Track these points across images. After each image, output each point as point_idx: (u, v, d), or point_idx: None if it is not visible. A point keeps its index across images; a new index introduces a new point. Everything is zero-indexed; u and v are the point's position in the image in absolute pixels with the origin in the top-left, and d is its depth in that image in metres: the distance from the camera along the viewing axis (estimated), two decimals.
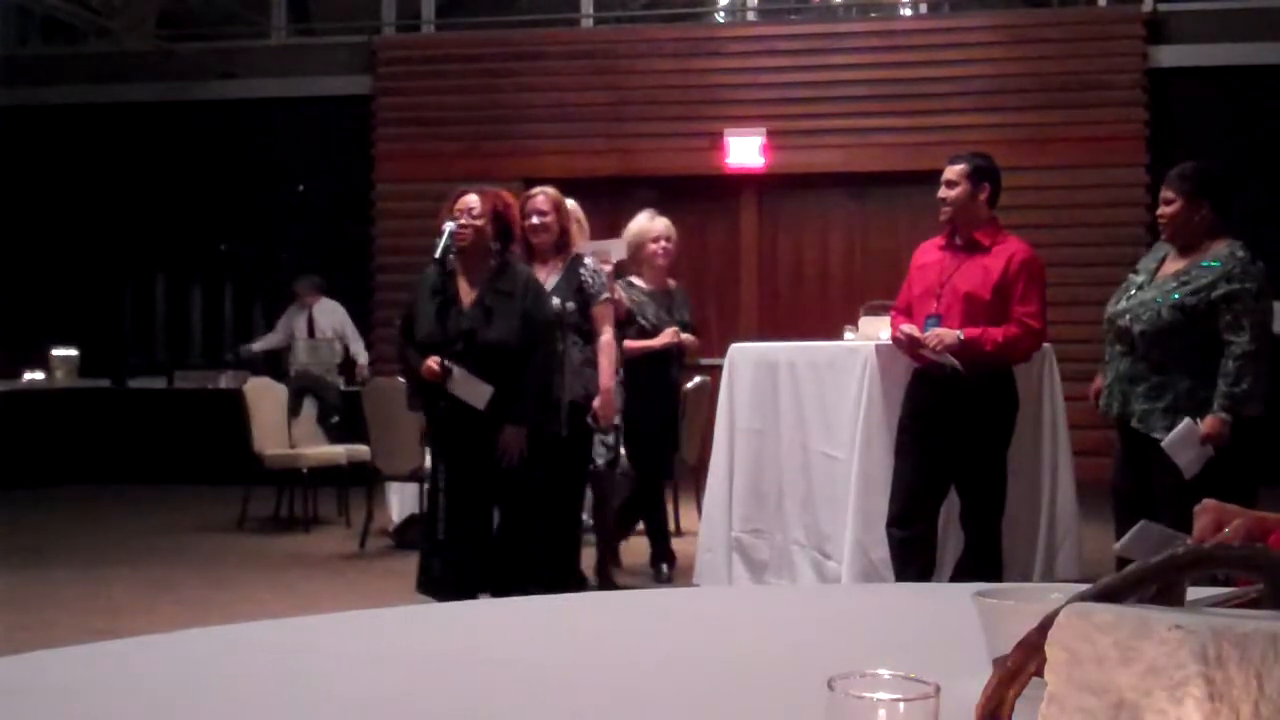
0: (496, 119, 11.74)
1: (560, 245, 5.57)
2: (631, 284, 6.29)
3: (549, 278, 5.47)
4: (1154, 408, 4.49)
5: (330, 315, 10.74)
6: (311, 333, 10.64)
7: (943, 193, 5.01)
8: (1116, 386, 4.60)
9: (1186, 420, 4.37)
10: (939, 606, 1.71)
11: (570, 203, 6.03)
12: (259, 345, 10.99)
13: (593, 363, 5.51)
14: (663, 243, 6.29)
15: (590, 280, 5.54)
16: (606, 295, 5.61)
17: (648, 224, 6.36)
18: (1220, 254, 4.45)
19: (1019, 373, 5.27)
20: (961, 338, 4.83)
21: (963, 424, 4.92)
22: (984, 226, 5.01)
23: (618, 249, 6.37)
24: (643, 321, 6.20)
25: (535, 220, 5.51)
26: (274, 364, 10.48)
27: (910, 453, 5.05)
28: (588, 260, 5.62)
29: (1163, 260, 4.62)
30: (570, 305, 5.45)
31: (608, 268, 5.99)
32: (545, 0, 12.63)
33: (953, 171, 5.01)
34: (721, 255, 11.69)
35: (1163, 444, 4.40)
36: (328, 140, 12.14)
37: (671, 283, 6.46)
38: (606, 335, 5.58)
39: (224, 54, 12.54)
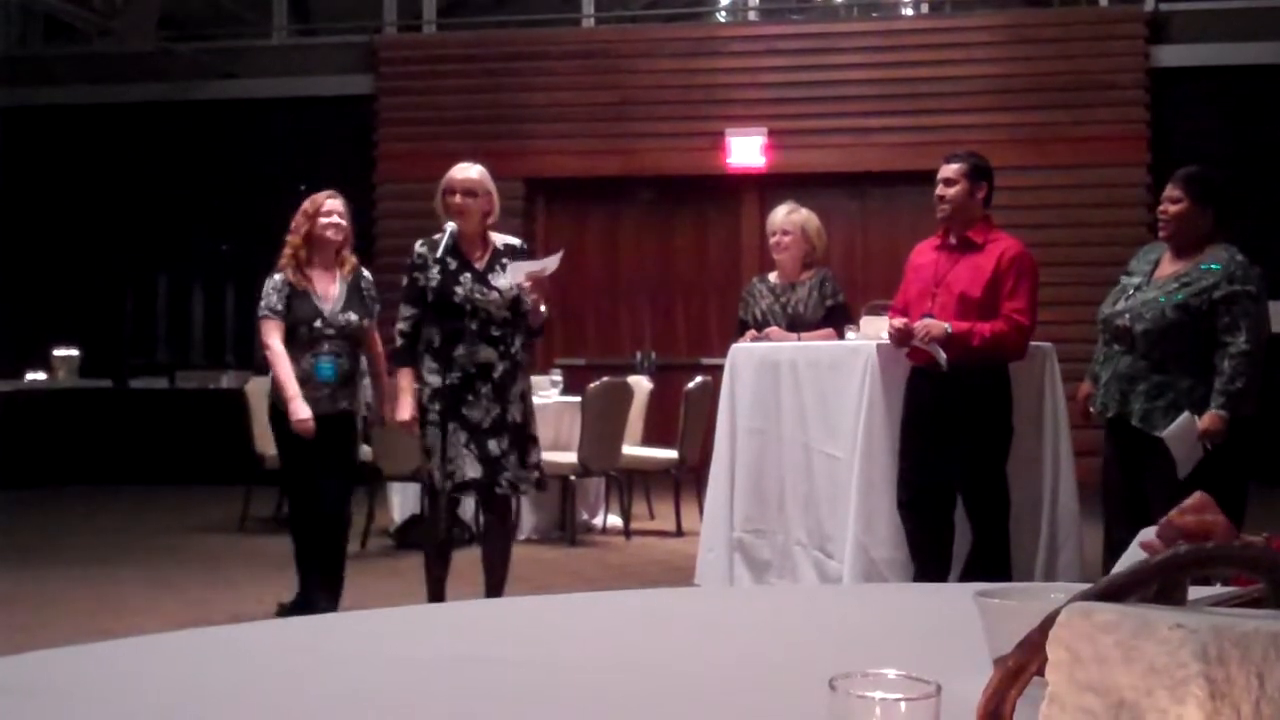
0: (498, 119, 11.72)
1: (341, 254, 5.40)
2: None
3: (333, 288, 5.30)
4: (1155, 406, 4.53)
5: None
6: None
7: (941, 190, 5.04)
8: (1114, 386, 4.63)
9: (1186, 414, 4.43)
10: (940, 606, 1.71)
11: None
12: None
13: (366, 375, 5.42)
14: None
15: (374, 294, 5.46)
16: (379, 308, 5.49)
17: None
18: (1220, 257, 4.54)
19: (1020, 373, 5.27)
20: (949, 330, 4.86)
21: (959, 422, 4.94)
22: (978, 225, 5.06)
23: (552, 263, 5.36)
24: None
25: (336, 220, 5.31)
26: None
27: (912, 451, 5.07)
28: (366, 272, 5.49)
29: (1157, 262, 4.68)
30: (366, 322, 5.36)
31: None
32: (546, 0, 12.62)
33: (951, 170, 5.05)
34: (722, 255, 11.67)
35: (1163, 435, 4.45)
36: (329, 140, 12.12)
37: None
38: (379, 347, 5.45)
39: (225, 54, 12.53)
